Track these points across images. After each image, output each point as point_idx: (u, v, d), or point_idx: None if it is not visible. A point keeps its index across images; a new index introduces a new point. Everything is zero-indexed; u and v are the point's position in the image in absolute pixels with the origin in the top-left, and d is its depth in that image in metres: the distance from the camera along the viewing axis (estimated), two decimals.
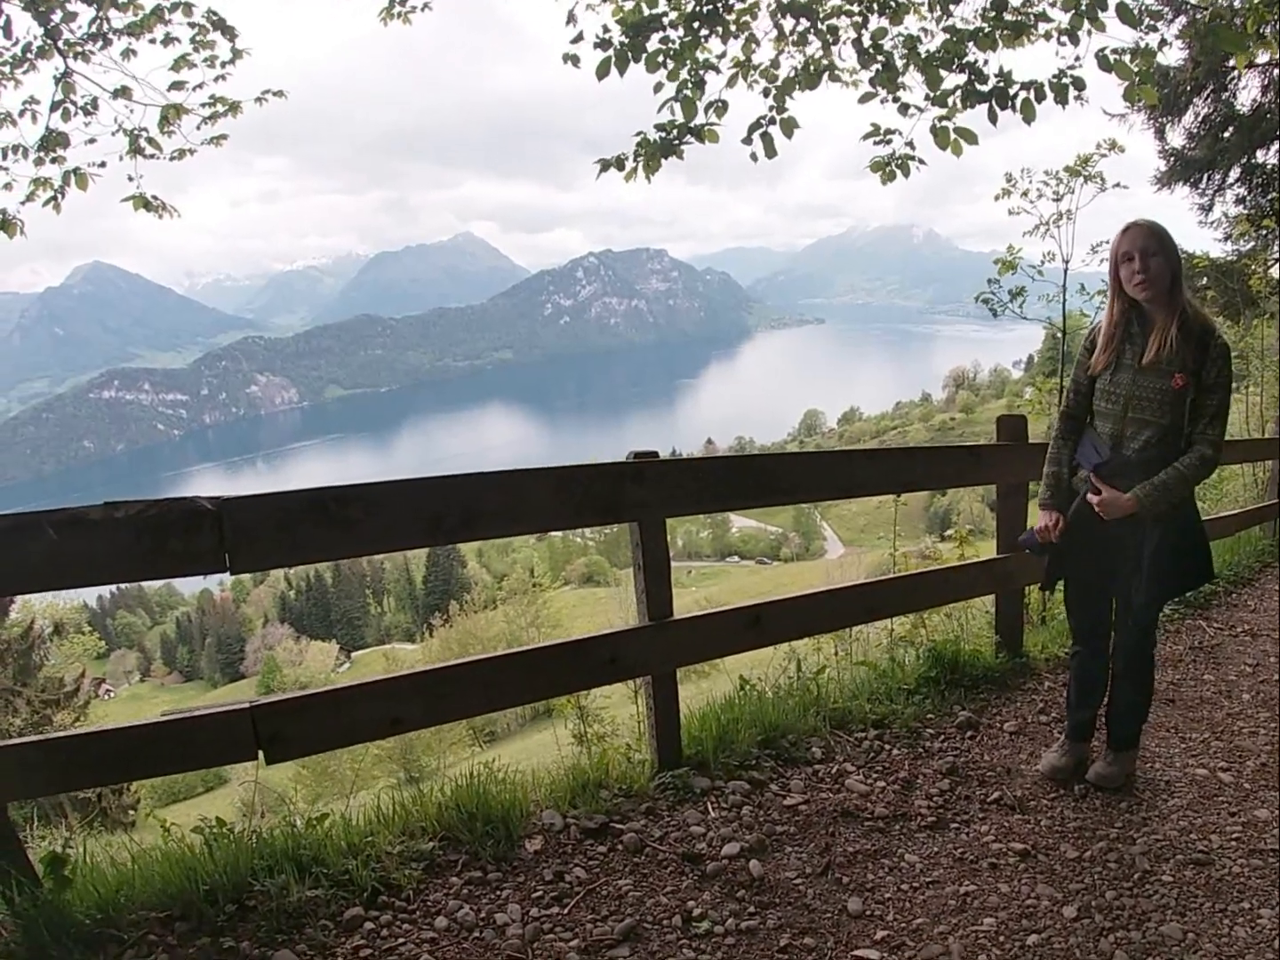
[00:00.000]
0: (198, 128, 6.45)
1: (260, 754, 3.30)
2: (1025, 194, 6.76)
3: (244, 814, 3.97)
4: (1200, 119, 15.36)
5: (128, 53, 6.05)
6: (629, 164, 5.76)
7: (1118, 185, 6.59)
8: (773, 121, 5.67)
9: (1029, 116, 5.38)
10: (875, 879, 3.56)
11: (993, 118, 5.48)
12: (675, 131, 5.69)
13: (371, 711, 3.54)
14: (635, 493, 3.97)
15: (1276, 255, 15.44)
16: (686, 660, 4.45)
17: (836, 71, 5.80)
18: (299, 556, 3.46)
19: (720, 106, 5.71)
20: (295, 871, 3.29)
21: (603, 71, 5.42)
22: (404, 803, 3.78)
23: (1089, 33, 5.21)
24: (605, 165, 5.79)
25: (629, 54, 5.44)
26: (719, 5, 5.51)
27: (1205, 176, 15.72)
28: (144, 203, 6.61)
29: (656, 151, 5.70)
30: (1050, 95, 5.33)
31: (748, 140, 5.65)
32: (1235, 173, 15.57)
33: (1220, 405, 3.73)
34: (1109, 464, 3.85)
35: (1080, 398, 4.07)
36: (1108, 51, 5.19)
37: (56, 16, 5.82)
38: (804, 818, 3.96)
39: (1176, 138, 15.73)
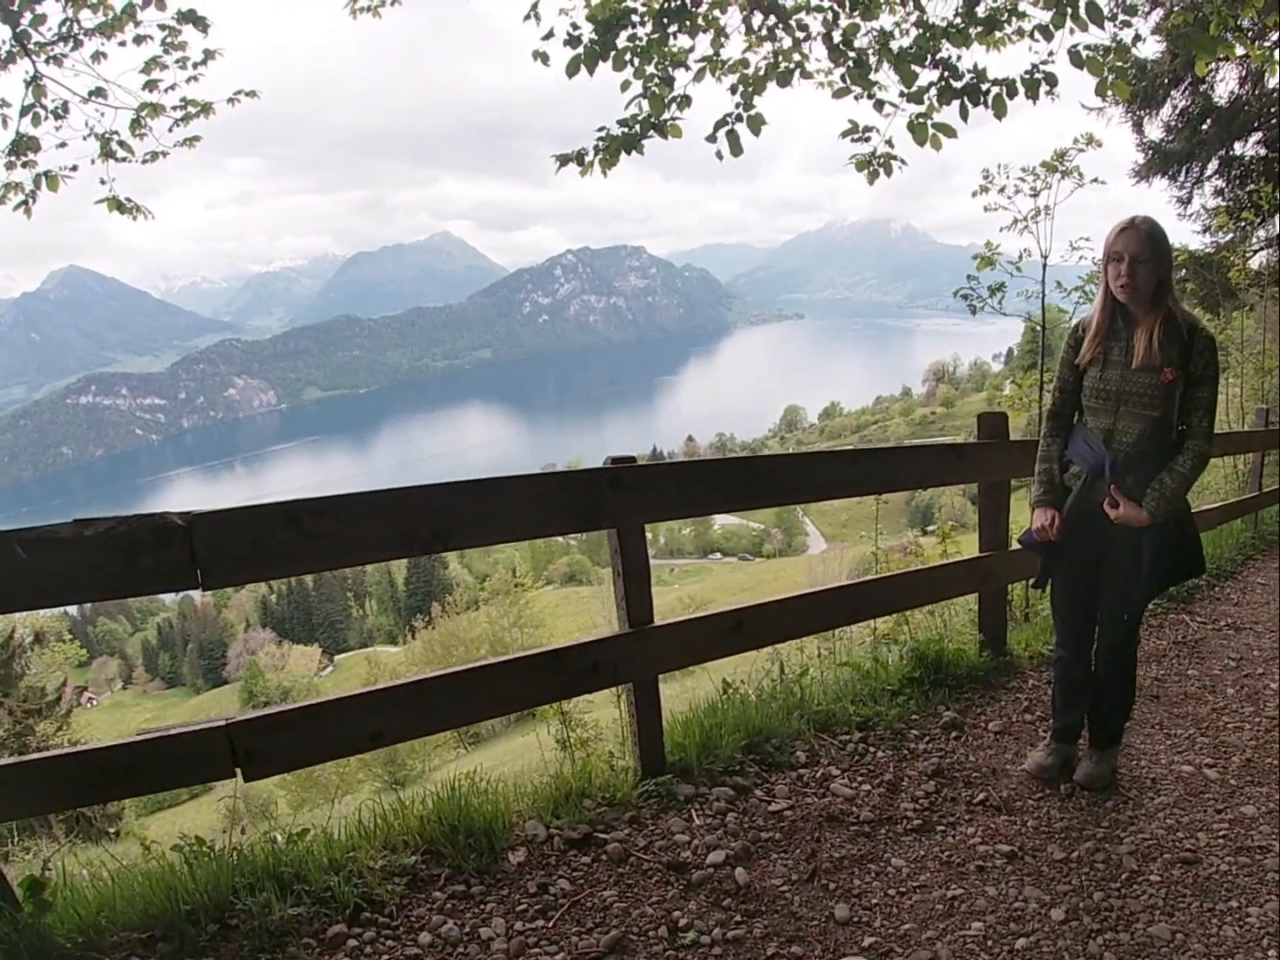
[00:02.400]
0: (170, 130, 6.41)
1: (238, 771, 3.26)
2: (1002, 190, 6.74)
3: (225, 829, 3.92)
4: (1178, 111, 15.44)
5: (98, 55, 6.00)
6: (588, 158, 5.72)
7: (1095, 180, 6.57)
8: (739, 119, 5.64)
9: (1000, 112, 5.39)
10: (862, 884, 3.54)
11: (964, 114, 5.49)
12: (638, 127, 5.65)
13: (350, 726, 3.49)
14: (613, 499, 3.93)
15: (1255, 247, 15.51)
16: (668, 667, 4.41)
17: (807, 69, 5.78)
18: (272, 570, 3.42)
19: (684, 100, 5.68)
20: (277, 889, 3.25)
21: (572, 69, 5.39)
22: (385, 815, 3.74)
23: (1070, 31, 5.22)
24: (565, 160, 5.76)
25: (598, 50, 5.39)
26: (686, 1, 5.47)
27: (1183, 169, 15.81)
28: (117, 204, 6.57)
29: (618, 146, 5.66)
30: (1022, 91, 5.33)
31: (712, 138, 5.61)
32: (1213, 165, 15.66)
33: (1210, 398, 3.79)
34: (1113, 464, 3.87)
35: (1067, 395, 4.10)
36: (1080, 48, 5.20)
37: (26, 19, 5.76)
38: (789, 823, 3.94)
39: (1154, 130, 15.82)
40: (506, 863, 3.59)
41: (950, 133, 5.53)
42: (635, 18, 5.45)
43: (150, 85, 6.20)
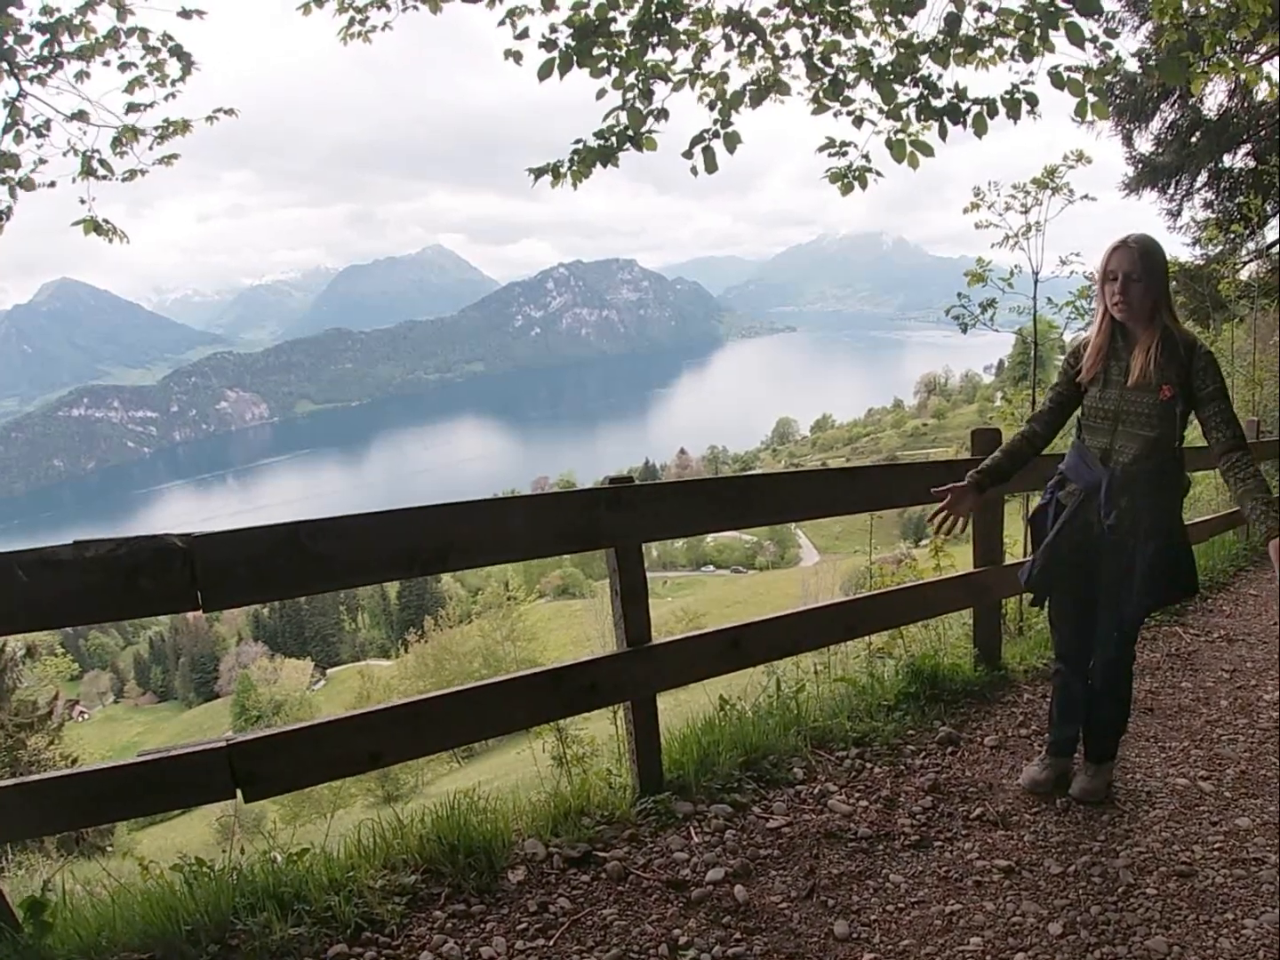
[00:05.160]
0: (150, 148, 6.42)
1: (238, 792, 3.26)
2: (993, 207, 6.77)
3: (223, 848, 3.92)
4: (1167, 124, 15.55)
5: (81, 75, 6.02)
6: (563, 170, 5.74)
7: (1085, 197, 6.61)
8: (716, 135, 5.65)
9: (980, 131, 5.41)
10: (860, 901, 3.54)
11: (943, 133, 5.51)
12: (614, 139, 5.67)
13: (350, 746, 3.50)
14: (611, 520, 3.94)
15: (1245, 259, 15.58)
16: (666, 685, 4.41)
17: (785, 85, 5.80)
18: (272, 592, 3.44)
19: (661, 113, 5.69)
20: (277, 909, 3.24)
21: (545, 73, 5.37)
22: (384, 834, 3.73)
23: (1044, 52, 5.26)
24: (540, 172, 5.77)
25: (574, 56, 5.40)
26: (668, 15, 5.49)
27: (1173, 182, 15.91)
28: (94, 226, 6.56)
29: (593, 159, 5.67)
30: (1003, 111, 5.36)
31: (688, 154, 5.62)
32: (1203, 177, 15.77)
33: (1229, 410, 3.76)
34: (1109, 482, 3.89)
35: (1055, 404, 4.12)
36: (1061, 69, 5.23)
37: (9, 39, 5.78)
38: (787, 840, 3.94)
39: (1144, 143, 15.93)
40: (506, 881, 3.59)
41: (928, 151, 5.56)
42: (615, 27, 5.46)
43: (133, 108, 6.22)
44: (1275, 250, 16.19)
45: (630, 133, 5.64)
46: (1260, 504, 3.55)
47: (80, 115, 6.08)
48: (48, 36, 5.86)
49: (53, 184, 6.28)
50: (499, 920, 3.37)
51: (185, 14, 6.03)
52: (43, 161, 6.14)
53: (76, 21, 5.91)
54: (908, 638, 6.22)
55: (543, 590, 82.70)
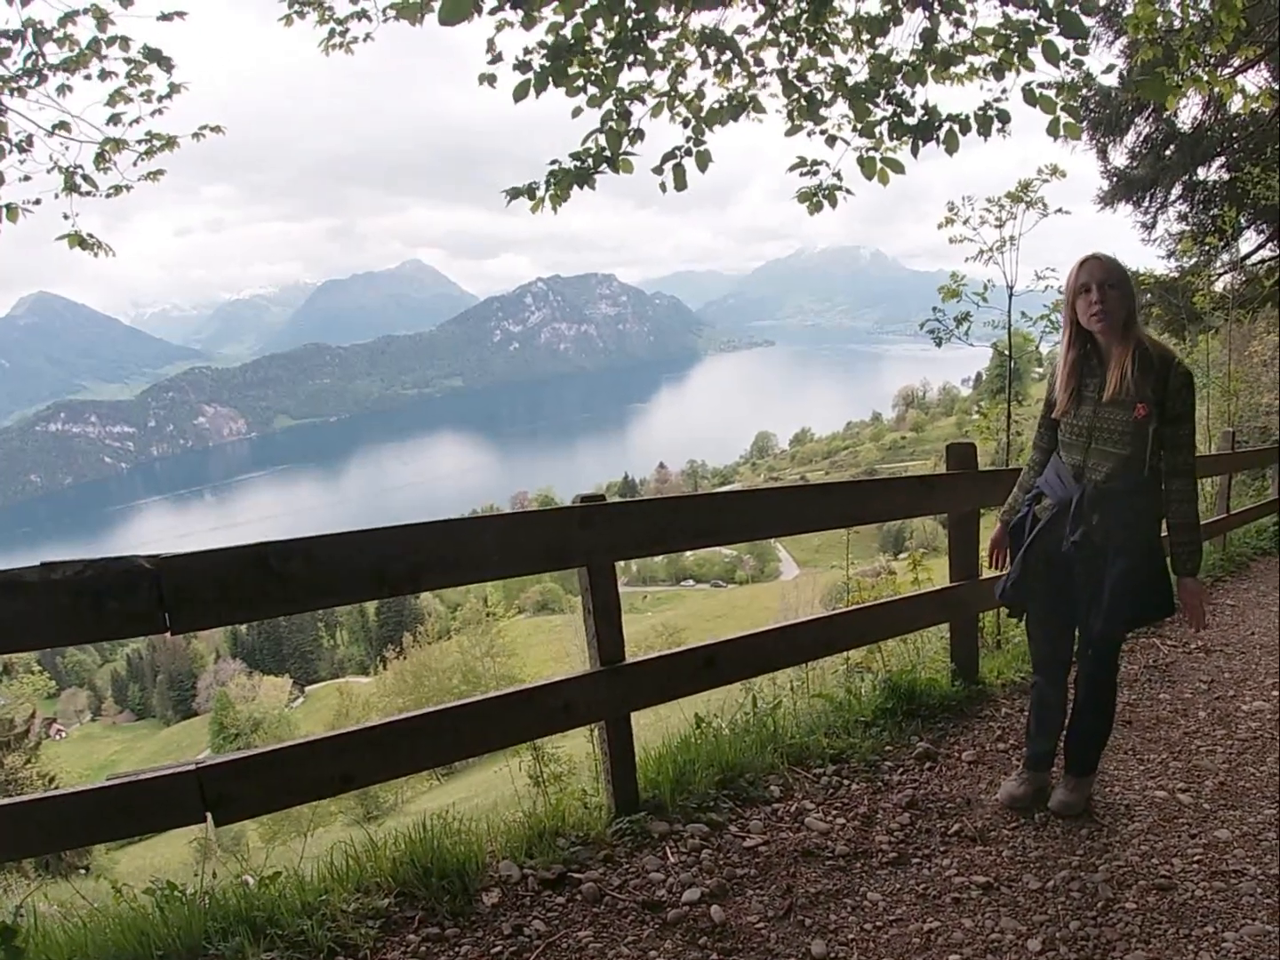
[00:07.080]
0: (134, 164, 6.36)
1: (209, 816, 3.22)
2: (967, 221, 6.79)
3: (196, 869, 3.88)
4: (1142, 138, 15.68)
5: (63, 88, 5.96)
6: (539, 193, 5.71)
7: (1060, 210, 6.64)
8: (688, 153, 5.64)
9: (952, 148, 5.42)
10: (838, 919, 3.51)
11: (915, 150, 5.53)
12: (590, 160, 5.65)
13: (321, 769, 3.46)
14: (582, 538, 3.91)
15: (1219, 271, 15.70)
16: (640, 705, 4.34)
17: (760, 104, 5.80)
18: (241, 614, 3.38)
19: (637, 134, 5.66)
20: (250, 934, 3.19)
21: (520, 94, 5.34)
22: (357, 857, 3.69)
23: (1019, 69, 5.28)
24: (515, 193, 5.70)
25: (549, 77, 5.37)
26: (642, 32, 5.48)
27: (1148, 195, 16.04)
28: (79, 240, 6.48)
29: (570, 181, 5.65)
30: (975, 128, 5.38)
31: (659, 170, 5.61)
32: (1177, 190, 15.90)
33: (1190, 435, 3.82)
34: (1080, 499, 3.90)
35: (1047, 431, 4.19)
36: (1034, 85, 5.25)
37: None
38: (764, 859, 3.91)
39: (1119, 157, 16.06)
40: (480, 904, 3.54)
41: (898, 168, 5.56)
42: (590, 47, 5.43)
43: (114, 119, 6.16)
44: (1250, 261, 16.32)
45: (608, 154, 5.62)
46: (1182, 544, 3.91)
47: (62, 126, 6.01)
48: (27, 48, 5.80)
49: (38, 201, 6.23)
50: (473, 944, 3.33)
51: (166, 16, 5.97)
52: (27, 178, 6.09)
53: (59, 35, 5.85)
54: (886, 652, 6.21)
55: (522, 606, 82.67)
